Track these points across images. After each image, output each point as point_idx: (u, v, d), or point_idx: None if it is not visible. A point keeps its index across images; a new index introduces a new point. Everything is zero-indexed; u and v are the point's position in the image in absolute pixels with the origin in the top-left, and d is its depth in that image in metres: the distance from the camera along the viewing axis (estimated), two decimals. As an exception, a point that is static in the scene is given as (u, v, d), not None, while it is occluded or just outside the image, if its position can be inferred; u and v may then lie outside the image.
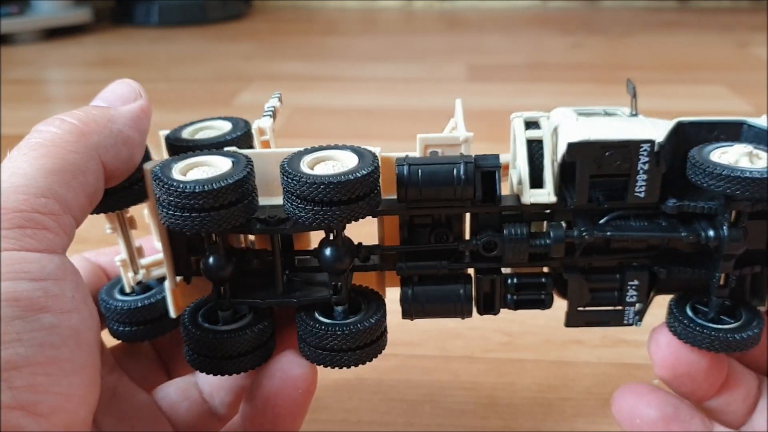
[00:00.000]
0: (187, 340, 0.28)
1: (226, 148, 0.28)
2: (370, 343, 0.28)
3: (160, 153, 0.31)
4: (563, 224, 0.28)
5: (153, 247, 0.32)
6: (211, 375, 0.29)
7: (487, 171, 0.28)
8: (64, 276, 0.22)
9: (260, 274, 0.30)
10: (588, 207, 0.28)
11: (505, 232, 0.28)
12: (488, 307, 0.30)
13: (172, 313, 0.30)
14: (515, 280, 0.29)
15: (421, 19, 1.72)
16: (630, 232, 0.28)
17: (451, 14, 1.75)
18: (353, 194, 0.25)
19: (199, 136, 0.31)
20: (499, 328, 0.46)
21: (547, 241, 0.28)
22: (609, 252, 0.29)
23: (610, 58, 1.25)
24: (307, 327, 0.27)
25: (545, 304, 0.29)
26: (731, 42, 1.33)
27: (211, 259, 0.27)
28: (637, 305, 0.29)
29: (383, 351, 0.29)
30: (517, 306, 0.29)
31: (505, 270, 0.30)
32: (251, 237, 0.32)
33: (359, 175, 0.25)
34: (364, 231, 0.30)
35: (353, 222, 0.26)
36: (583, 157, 0.27)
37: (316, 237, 0.29)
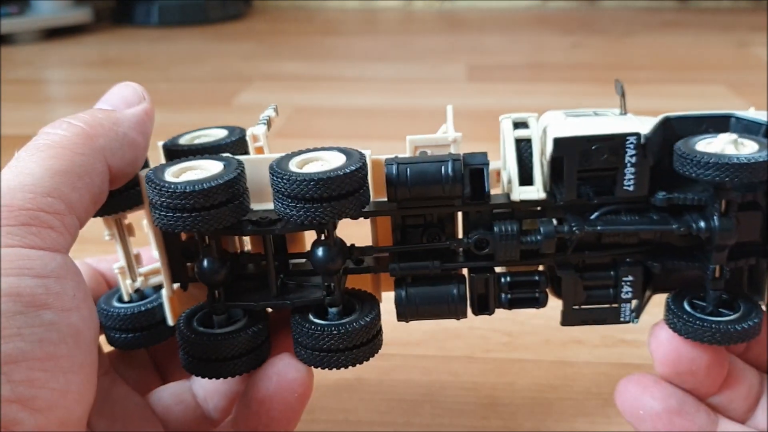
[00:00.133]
0: (182, 344, 0.28)
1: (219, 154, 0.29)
2: (365, 342, 0.28)
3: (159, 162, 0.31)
4: (553, 220, 0.28)
5: (152, 257, 0.32)
6: (206, 379, 0.29)
7: (475, 169, 0.28)
8: (66, 275, 0.22)
9: (254, 278, 0.30)
10: (578, 203, 0.28)
11: (495, 229, 0.28)
12: (483, 307, 0.30)
13: (170, 321, 0.30)
14: (508, 279, 0.29)
15: (421, 19, 1.72)
16: (621, 226, 0.28)
17: (451, 14, 1.75)
18: (342, 190, 0.25)
19: (196, 143, 0.32)
20: (499, 328, 0.46)
21: (538, 238, 0.28)
22: (601, 248, 0.29)
23: (610, 58, 1.25)
24: (302, 329, 0.27)
25: (539, 302, 0.29)
26: (731, 42, 1.33)
27: (205, 263, 0.28)
28: (633, 302, 0.29)
29: (379, 351, 0.29)
30: (511, 305, 0.29)
31: (499, 270, 0.30)
32: (247, 244, 0.32)
33: (347, 171, 0.25)
34: (357, 234, 0.30)
35: (344, 218, 0.26)
36: (569, 152, 0.27)
37: (309, 241, 0.29)
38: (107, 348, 0.32)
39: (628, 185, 0.28)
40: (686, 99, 0.96)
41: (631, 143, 0.27)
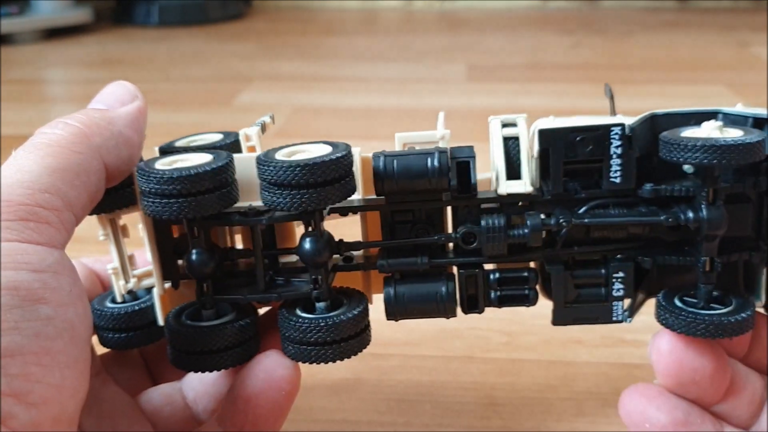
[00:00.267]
0: (170, 337, 0.28)
1: None
2: (353, 335, 0.27)
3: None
4: (541, 214, 0.28)
5: (146, 261, 0.32)
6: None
7: (462, 161, 0.28)
8: (62, 270, 0.22)
9: (244, 275, 0.30)
10: (566, 197, 0.28)
11: (482, 223, 0.28)
12: (472, 306, 0.29)
13: (160, 320, 0.30)
14: (497, 275, 0.29)
15: (421, 19, 1.72)
16: (609, 218, 0.28)
17: (451, 14, 1.75)
18: (327, 176, 0.25)
19: (192, 146, 0.32)
20: (499, 328, 0.46)
21: (525, 231, 0.28)
22: (590, 243, 0.29)
23: (610, 58, 1.25)
24: (290, 323, 0.27)
25: (529, 299, 0.29)
26: (731, 42, 1.33)
27: (194, 255, 0.28)
28: (626, 302, 0.29)
29: (367, 346, 0.28)
30: (501, 302, 0.29)
31: (490, 267, 0.30)
32: (239, 243, 0.32)
33: (332, 158, 0.25)
34: (349, 234, 0.30)
35: (329, 205, 0.27)
36: (554, 144, 0.27)
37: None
38: (100, 350, 0.32)
39: (615, 177, 0.28)
40: (686, 99, 0.96)
41: (616, 134, 0.27)
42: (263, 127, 0.31)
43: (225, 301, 0.29)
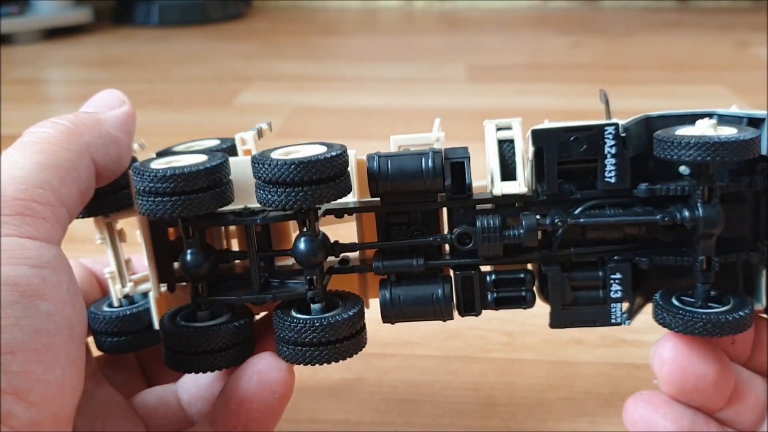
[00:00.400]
0: (164, 338, 0.28)
1: None
2: (348, 337, 0.27)
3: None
4: (536, 215, 0.28)
5: (144, 266, 0.32)
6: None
7: (456, 162, 0.28)
8: (60, 267, 0.22)
9: (239, 277, 0.30)
10: (561, 198, 0.28)
11: (477, 223, 0.28)
12: (468, 308, 0.29)
13: (156, 324, 0.30)
14: (493, 277, 0.29)
15: (421, 19, 1.72)
16: (604, 218, 0.28)
17: (451, 14, 1.75)
18: (321, 174, 0.25)
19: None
20: (499, 328, 0.46)
21: (520, 231, 0.28)
22: (587, 244, 0.29)
23: (610, 58, 1.25)
24: (284, 323, 0.27)
25: (526, 301, 0.29)
26: (731, 42, 1.33)
27: (188, 255, 0.28)
28: (625, 303, 0.29)
29: (363, 349, 0.28)
30: (497, 304, 0.29)
31: (486, 269, 0.29)
32: (234, 246, 0.32)
33: (327, 156, 0.26)
34: (344, 236, 0.30)
35: (324, 206, 0.27)
36: (548, 144, 0.27)
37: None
38: (95, 352, 0.32)
39: (610, 177, 0.28)
40: (686, 99, 0.96)
41: (610, 133, 0.27)
42: (260, 133, 0.31)
43: (219, 302, 0.29)
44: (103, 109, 0.28)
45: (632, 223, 0.28)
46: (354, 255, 0.31)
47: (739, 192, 0.28)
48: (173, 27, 1.57)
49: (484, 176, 0.29)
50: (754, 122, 0.27)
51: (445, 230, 0.29)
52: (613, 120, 0.28)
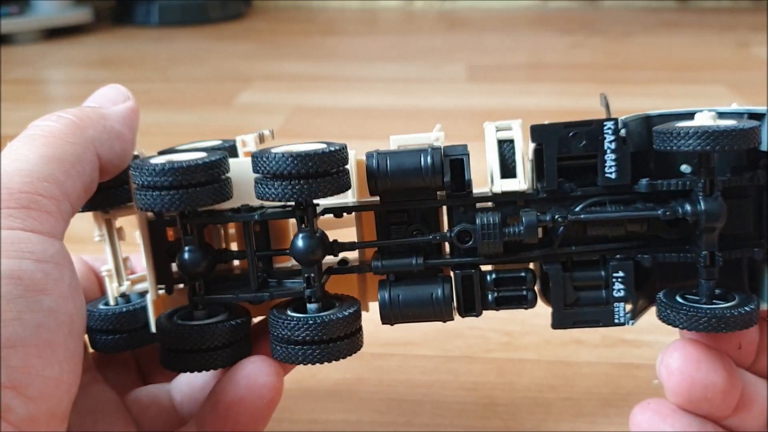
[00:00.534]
0: (160, 337, 0.28)
1: None
2: (342, 337, 0.27)
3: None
4: (536, 211, 0.28)
5: (143, 267, 0.32)
6: (180, 373, 0.29)
7: (455, 159, 0.28)
8: (63, 262, 0.22)
9: (237, 278, 0.30)
10: (561, 195, 0.28)
11: (477, 221, 0.28)
12: (469, 308, 0.29)
13: (153, 326, 0.29)
14: (494, 276, 0.29)
15: (421, 19, 1.72)
16: (605, 214, 0.28)
17: (451, 14, 1.75)
18: (320, 168, 0.25)
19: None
20: (499, 328, 0.46)
21: (520, 228, 0.27)
22: (588, 242, 0.28)
23: (610, 58, 1.25)
24: (278, 321, 0.27)
25: (528, 300, 0.29)
26: (731, 42, 1.33)
27: (186, 253, 0.28)
28: (629, 303, 0.29)
29: (359, 350, 0.28)
30: (498, 304, 0.29)
31: (487, 269, 0.29)
32: (234, 246, 0.32)
33: (326, 150, 0.26)
34: (344, 236, 0.30)
35: (323, 202, 0.27)
36: (547, 139, 0.27)
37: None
38: (91, 349, 0.32)
39: (610, 173, 0.28)
40: (686, 99, 0.96)
41: (609, 128, 0.27)
42: (261, 138, 0.31)
43: (216, 301, 0.29)
44: (106, 104, 0.28)
45: (634, 220, 0.28)
46: (353, 256, 0.31)
47: (741, 187, 0.28)
48: (173, 27, 1.57)
49: (485, 178, 0.29)
50: (755, 118, 0.27)
51: (445, 229, 0.29)
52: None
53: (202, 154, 0.27)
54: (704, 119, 0.26)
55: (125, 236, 0.31)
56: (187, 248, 0.28)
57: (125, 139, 0.27)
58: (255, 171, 0.26)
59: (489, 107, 0.95)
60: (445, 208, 0.29)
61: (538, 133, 0.28)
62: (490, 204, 0.29)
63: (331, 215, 0.29)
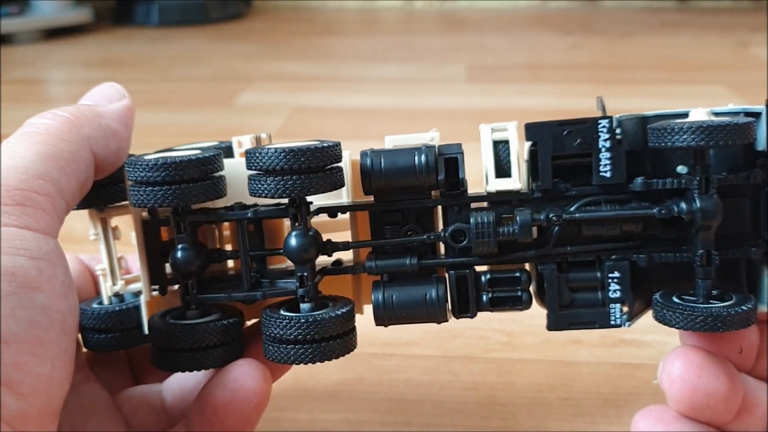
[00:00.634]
0: (151, 335, 0.28)
1: None
2: (335, 336, 0.27)
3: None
4: (531, 210, 0.28)
5: (138, 266, 0.32)
6: (172, 372, 0.29)
7: (450, 158, 0.28)
8: (57, 260, 0.22)
9: (231, 279, 0.30)
10: (556, 195, 0.28)
11: (471, 220, 0.28)
12: (463, 309, 0.29)
13: (146, 326, 0.29)
14: (488, 276, 0.29)
15: (421, 19, 1.72)
16: (600, 212, 0.28)
17: (451, 14, 1.75)
18: (312, 163, 0.26)
19: None
20: (499, 328, 0.46)
21: (515, 228, 0.27)
22: (583, 241, 0.28)
23: (609, 59, 1.25)
24: (271, 320, 0.27)
25: (522, 301, 0.29)
26: (731, 42, 1.33)
27: (178, 251, 0.28)
28: (625, 305, 0.29)
29: (352, 351, 0.28)
30: (493, 305, 0.29)
31: (482, 269, 0.29)
32: (228, 247, 0.32)
33: (318, 146, 0.26)
34: (339, 239, 0.30)
35: (316, 201, 0.27)
36: (542, 137, 0.27)
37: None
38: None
39: (605, 171, 0.28)
40: (686, 99, 0.96)
41: (604, 127, 0.27)
42: (258, 140, 0.31)
43: (209, 300, 0.29)
44: (102, 102, 0.28)
45: (629, 219, 0.28)
46: (348, 257, 0.31)
47: (737, 186, 0.28)
48: (173, 27, 1.57)
49: (481, 179, 0.29)
50: (751, 115, 0.27)
51: (440, 229, 0.29)
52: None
53: (196, 151, 0.27)
54: (699, 115, 0.26)
55: (120, 236, 0.31)
56: (179, 246, 0.28)
57: (121, 137, 0.27)
58: (249, 167, 0.26)
59: (489, 107, 0.95)
60: (440, 208, 0.29)
61: (532, 131, 0.28)
62: (485, 204, 0.29)
63: (326, 215, 0.29)
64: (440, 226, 0.29)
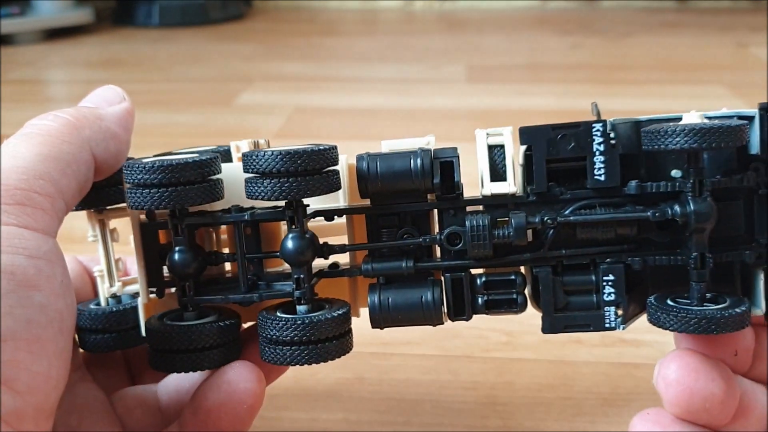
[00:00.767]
0: (148, 336, 0.28)
1: None
2: (331, 338, 0.27)
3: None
4: (525, 213, 0.28)
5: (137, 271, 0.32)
6: (169, 373, 0.29)
7: (445, 161, 0.28)
8: (55, 259, 0.23)
9: (228, 281, 0.31)
10: (551, 198, 0.28)
11: (467, 223, 0.28)
12: (459, 312, 0.29)
13: (143, 329, 0.29)
14: (483, 279, 0.29)
15: (421, 19, 1.72)
16: (595, 216, 0.28)
17: (451, 14, 1.75)
18: (308, 165, 0.26)
19: None
20: (499, 327, 0.46)
21: (510, 230, 0.28)
22: (578, 244, 0.29)
23: (609, 59, 1.25)
24: (268, 322, 0.27)
25: (518, 304, 0.29)
26: (731, 42, 1.33)
27: (176, 254, 0.28)
28: (619, 308, 0.29)
29: (348, 353, 0.28)
30: (488, 308, 0.29)
31: (477, 272, 0.29)
32: (225, 249, 0.32)
33: (315, 149, 0.26)
34: (335, 241, 0.30)
35: (312, 205, 0.27)
36: (536, 141, 0.28)
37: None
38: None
39: (600, 174, 0.28)
40: (685, 99, 0.96)
41: (598, 131, 0.27)
42: (255, 145, 0.31)
43: (205, 302, 0.29)
44: (102, 104, 0.28)
45: (624, 223, 0.28)
46: (345, 261, 0.31)
47: (731, 189, 0.28)
48: (174, 27, 1.57)
49: (474, 173, 0.29)
50: (744, 120, 0.28)
51: (436, 232, 0.29)
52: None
53: (194, 155, 0.27)
54: (692, 118, 0.26)
55: (119, 238, 0.31)
56: (177, 249, 0.28)
57: (120, 140, 0.27)
58: (246, 170, 0.27)
59: (488, 108, 0.95)
60: (435, 211, 0.29)
61: (527, 135, 0.28)
62: (480, 207, 0.29)
63: (322, 218, 0.29)
64: (436, 229, 0.29)
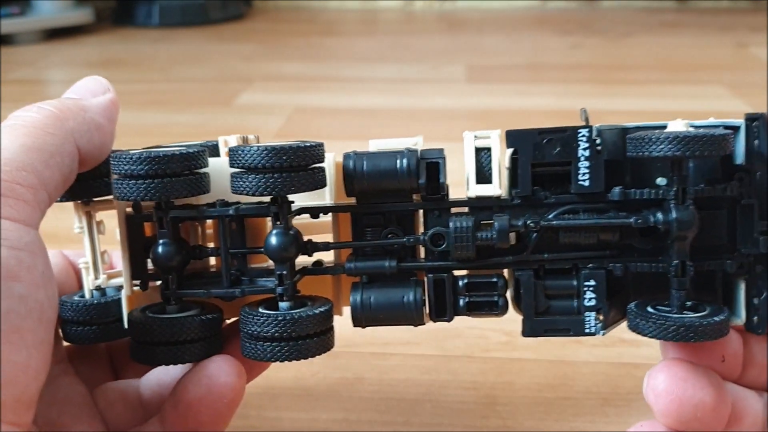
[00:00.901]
0: (130, 328, 0.29)
1: None
2: (312, 335, 0.27)
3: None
4: (508, 216, 0.28)
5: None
6: (150, 366, 0.29)
7: (431, 162, 0.28)
8: (37, 251, 0.23)
9: (211, 276, 0.31)
10: (535, 202, 0.28)
11: (450, 225, 0.28)
12: (440, 312, 0.29)
13: (126, 321, 0.29)
14: (465, 281, 0.29)
15: (421, 19, 1.72)
16: (578, 221, 0.28)
17: (451, 14, 1.75)
18: (293, 162, 0.26)
19: None
20: (499, 327, 0.46)
21: (493, 233, 0.28)
22: (560, 249, 0.29)
23: (609, 59, 1.25)
24: (249, 317, 0.27)
25: (498, 306, 0.29)
26: (731, 42, 1.33)
27: (159, 246, 0.28)
28: (600, 313, 0.29)
29: (330, 350, 0.28)
30: (469, 309, 0.29)
31: (460, 273, 0.30)
32: (211, 244, 0.32)
33: (300, 145, 0.26)
34: (320, 239, 0.30)
35: (297, 201, 0.27)
36: (522, 144, 0.28)
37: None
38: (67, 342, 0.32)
39: (584, 180, 0.28)
40: (685, 99, 0.96)
41: (584, 136, 0.28)
42: (245, 140, 0.31)
43: (188, 295, 0.29)
44: (87, 95, 0.28)
45: (606, 228, 0.28)
46: (329, 259, 0.31)
47: (714, 198, 0.28)
48: (174, 28, 1.57)
49: (463, 174, 0.29)
50: (730, 130, 0.28)
51: (420, 232, 0.29)
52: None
53: (181, 148, 0.27)
54: (677, 126, 0.27)
55: (105, 230, 0.31)
56: (161, 241, 0.28)
57: (105, 131, 0.27)
58: (232, 165, 0.27)
59: (488, 108, 0.95)
60: (420, 211, 0.29)
61: (513, 138, 0.28)
62: (465, 209, 0.29)
63: (308, 215, 0.30)
64: (421, 230, 0.29)
